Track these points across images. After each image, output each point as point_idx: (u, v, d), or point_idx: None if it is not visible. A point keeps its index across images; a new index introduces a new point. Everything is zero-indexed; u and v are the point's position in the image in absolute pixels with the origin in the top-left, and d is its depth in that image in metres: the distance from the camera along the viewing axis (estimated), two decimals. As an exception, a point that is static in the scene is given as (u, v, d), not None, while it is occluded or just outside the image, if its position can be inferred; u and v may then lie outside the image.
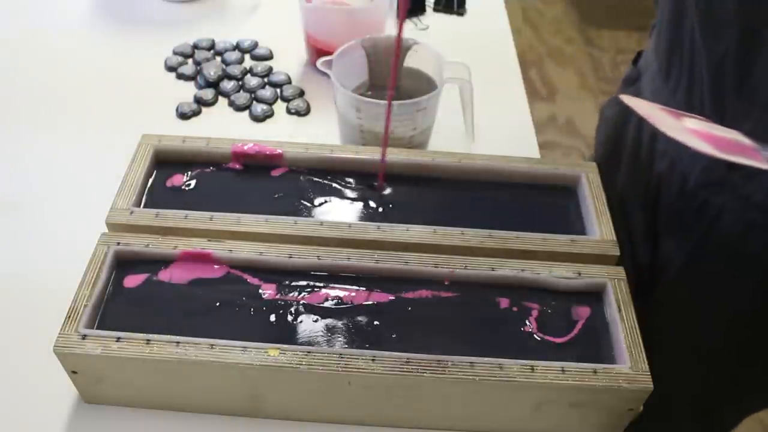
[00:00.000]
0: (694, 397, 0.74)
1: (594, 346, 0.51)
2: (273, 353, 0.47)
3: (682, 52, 0.62)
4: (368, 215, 0.59)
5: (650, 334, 0.74)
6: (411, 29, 0.90)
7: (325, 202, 0.59)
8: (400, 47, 0.51)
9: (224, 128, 0.75)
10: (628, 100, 0.50)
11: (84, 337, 0.48)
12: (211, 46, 0.86)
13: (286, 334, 0.50)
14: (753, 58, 0.56)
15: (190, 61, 0.84)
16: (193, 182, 0.61)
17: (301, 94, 0.80)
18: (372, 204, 0.59)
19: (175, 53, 0.84)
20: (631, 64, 0.75)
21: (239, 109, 0.78)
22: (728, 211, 0.63)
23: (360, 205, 0.59)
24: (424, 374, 0.47)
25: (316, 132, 0.75)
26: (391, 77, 0.57)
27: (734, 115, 0.59)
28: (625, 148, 0.73)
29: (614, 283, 0.53)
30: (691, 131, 0.46)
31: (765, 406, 0.83)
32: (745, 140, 0.46)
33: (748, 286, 0.66)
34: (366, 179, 0.61)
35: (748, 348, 0.70)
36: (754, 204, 0.61)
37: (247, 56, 0.85)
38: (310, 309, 0.52)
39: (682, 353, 0.71)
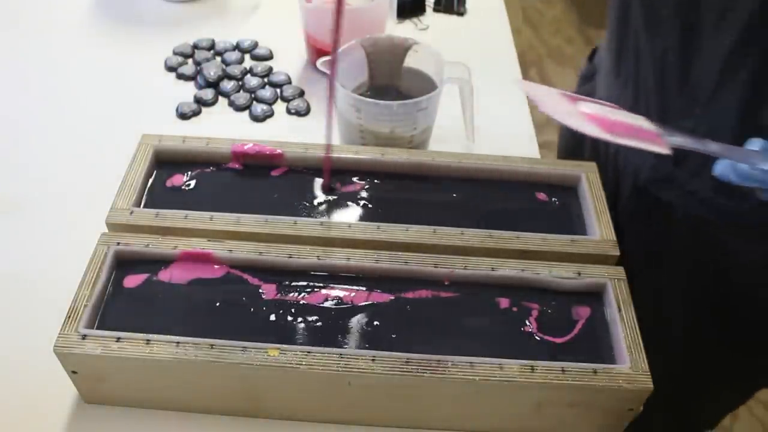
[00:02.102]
0: (667, 395, 0.75)
1: (594, 346, 0.51)
2: (273, 353, 0.47)
3: (629, 49, 0.63)
4: (368, 215, 0.59)
5: None
6: (411, 29, 0.90)
7: (325, 202, 0.59)
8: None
9: (224, 128, 0.75)
10: (525, 85, 0.50)
11: (84, 337, 0.48)
12: (211, 46, 0.86)
13: (286, 334, 0.50)
14: (693, 54, 0.57)
15: (190, 61, 0.84)
16: (193, 182, 0.61)
17: (301, 94, 0.80)
18: (372, 204, 0.59)
19: (175, 53, 0.84)
20: (587, 60, 0.75)
21: (239, 109, 0.78)
22: (678, 207, 0.63)
23: (360, 205, 0.59)
24: (424, 374, 0.47)
25: (316, 132, 0.75)
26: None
27: (676, 112, 0.60)
28: (587, 144, 0.74)
29: (614, 283, 0.53)
30: (585, 115, 0.46)
31: (740, 403, 0.83)
32: (650, 126, 0.47)
33: (706, 281, 0.66)
34: (366, 179, 0.62)
35: (712, 341, 0.70)
36: (700, 200, 0.62)
37: (247, 56, 0.85)
38: (310, 309, 0.52)
39: (651, 346, 0.72)
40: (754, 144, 0.47)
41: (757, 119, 0.55)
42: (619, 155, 0.68)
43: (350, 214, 0.59)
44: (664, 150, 0.46)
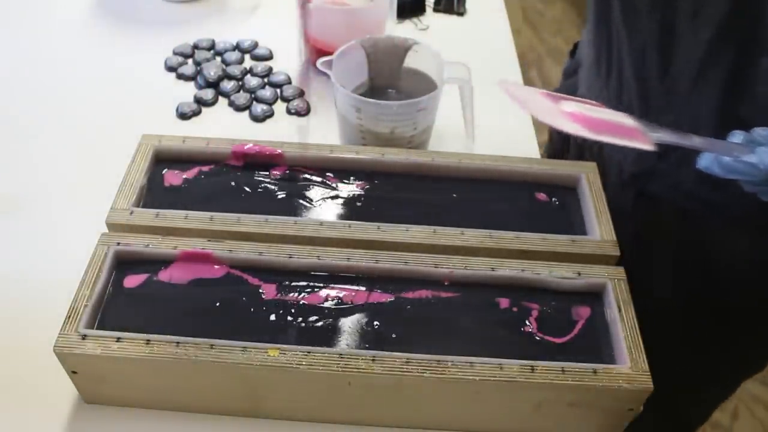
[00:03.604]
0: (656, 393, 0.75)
1: (594, 346, 0.51)
2: (273, 353, 0.47)
3: (610, 43, 0.64)
4: (368, 215, 0.58)
5: None
6: (411, 29, 0.90)
7: (325, 202, 0.59)
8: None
9: (224, 128, 0.75)
10: (506, 86, 0.49)
11: (84, 337, 0.48)
12: (211, 46, 0.86)
13: (286, 334, 0.50)
14: (671, 49, 0.58)
15: (190, 61, 0.84)
16: (193, 182, 0.60)
17: (301, 94, 0.80)
18: (372, 204, 0.59)
19: (175, 53, 0.84)
20: (569, 55, 0.75)
21: (239, 109, 0.78)
22: (664, 200, 0.64)
23: (360, 205, 0.59)
24: (424, 374, 0.47)
25: (316, 132, 0.75)
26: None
27: (658, 105, 0.61)
28: (572, 140, 0.74)
29: (614, 283, 0.53)
30: (567, 114, 0.47)
31: (726, 397, 0.84)
32: (632, 122, 0.47)
33: (693, 272, 0.66)
34: (366, 179, 0.62)
35: (698, 335, 0.71)
36: (685, 192, 0.62)
37: (247, 56, 0.85)
38: (310, 309, 0.52)
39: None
40: (736, 137, 0.48)
41: (736, 112, 0.56)
42: (603, 150, 0.68)
43: (350, 214, 0.59)
44: (648, 146, 0.46)
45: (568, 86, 0.76)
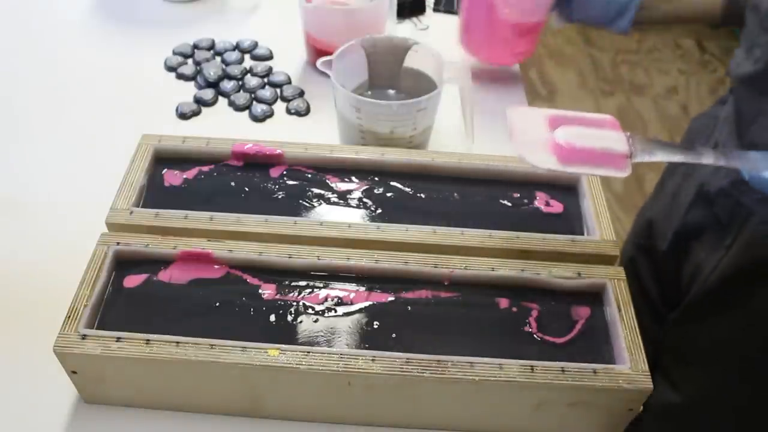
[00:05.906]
0: (735, 409, 0.73)
1: (594, 346, 0.51)
2: (273, 353, 0.47)
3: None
4: (368, 215, 0.59)
5: (682, 346, 0.73)
6: (411, 29, 0.90)
7: (325, 201, 0.59)
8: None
9: (224, 128, 0.75)
10: (512, 110, 0.52)
11: (84, 337, 0.48)
12: (211, 46, 0.86)
13: (286, 334, 0.50)
14: None
15: (190, 61, 0.84)
16: (193, 182, 0.60)
17: (301, 94, 0.80)
18: (372, 204, 0.59)
19: (175, 53, 0.84)
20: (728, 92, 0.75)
21: (239, 109, 0.78)
22: (756, 213, 0.63)
23: (360, 205, 0.59)
24: (424, 374, 0.47)
25: (316, 132, 0.75)
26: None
27: None
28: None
29: (614, 283, 0.53)
30: (552, 145, 0.50)
31: None
32: (620, 149, 0.50)
33: None
34: (366, 179, 0.62)
35: None
36: None
37: (247, 56, 0.85)
38: (310, 309, 0.52)
39: (720, 363, 0.70)
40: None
41: None
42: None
43: (350, 214, 0.59)
44: (621, 174, 0.49)
45: (719, 110, 0.75)
